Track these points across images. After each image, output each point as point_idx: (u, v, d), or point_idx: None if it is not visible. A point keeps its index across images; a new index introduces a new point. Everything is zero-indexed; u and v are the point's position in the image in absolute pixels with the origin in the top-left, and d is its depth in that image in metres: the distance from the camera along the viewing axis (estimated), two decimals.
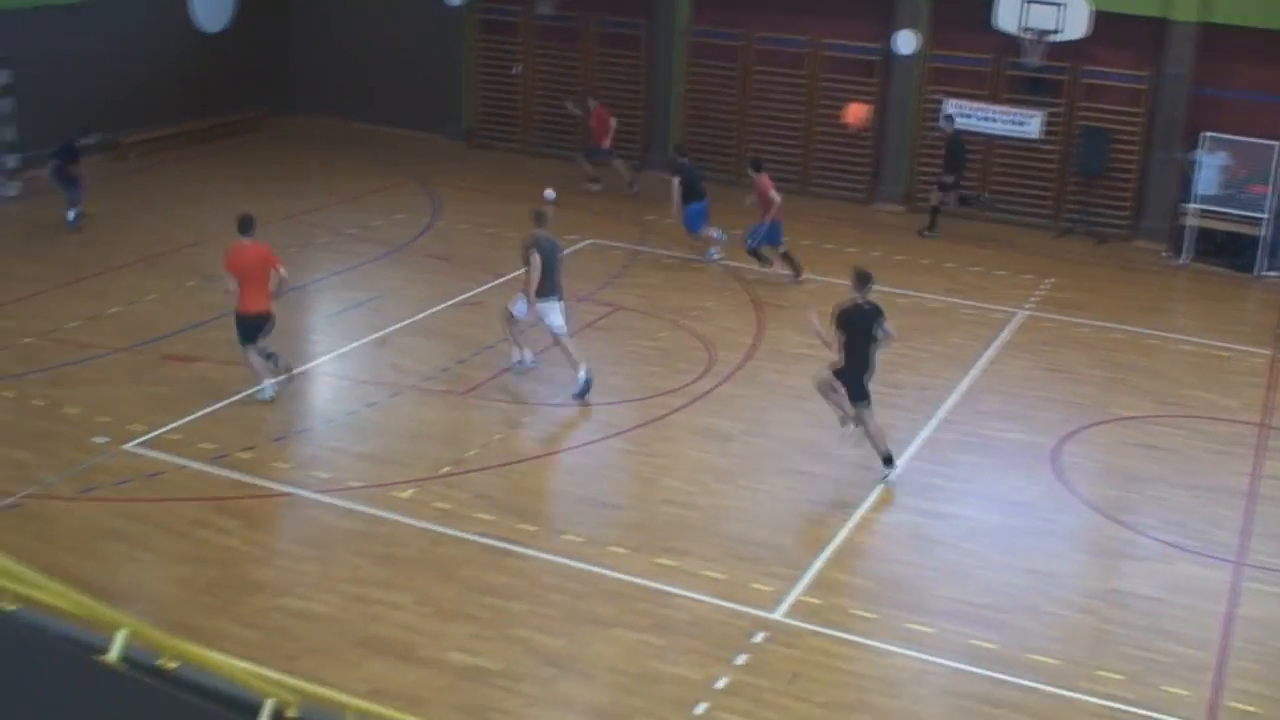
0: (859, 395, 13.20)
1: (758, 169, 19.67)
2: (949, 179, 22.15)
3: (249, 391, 14.59)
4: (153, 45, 24.91)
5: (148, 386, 14.83)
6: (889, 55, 23.33)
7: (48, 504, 12.19)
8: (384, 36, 26.82)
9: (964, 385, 15.86)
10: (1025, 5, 21.73)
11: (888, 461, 13.32)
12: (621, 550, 11.81)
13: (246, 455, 13.30)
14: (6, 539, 11.15)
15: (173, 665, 6.18)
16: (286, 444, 13.70)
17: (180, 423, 13.93)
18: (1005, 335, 17.61)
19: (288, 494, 12.65)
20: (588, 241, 20.75)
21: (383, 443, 13.85)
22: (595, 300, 18.17)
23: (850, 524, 12.50)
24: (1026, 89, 22.61)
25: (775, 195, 19.25)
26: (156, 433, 13.68)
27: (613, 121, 23.86)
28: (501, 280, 18.66)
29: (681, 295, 18.54)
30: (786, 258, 19.49)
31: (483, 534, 12.00)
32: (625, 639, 10.53)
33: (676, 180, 20.08)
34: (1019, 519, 12.82)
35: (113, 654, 5.64)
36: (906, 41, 23.02)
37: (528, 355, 15.53)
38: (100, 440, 13.45)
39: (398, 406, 14.76)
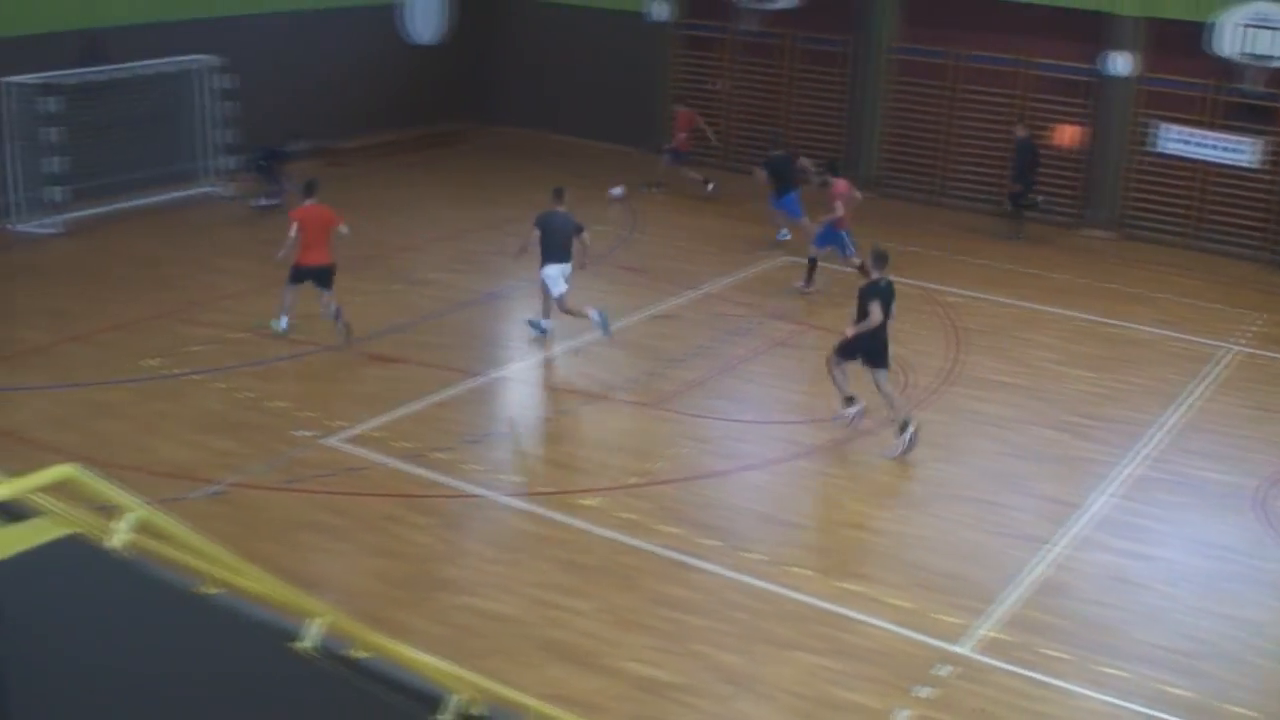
0: (883, 362, 14.26)
1: (835, 172, 19.50)
2: (1017, 188, 22.37)
3: (439, 396, 14.93)
4: (370, 56, 25.70)
5: (351, 384, 15.27)
6: (1101, 76, 22.75)
7: (252, 493, 12.63)
8: (588, 51, 27.16)
9: (1170, 421, 15.33)
10: (1246, 30, 20.97)
11: (903, 428, 14.10)
12: (804, 571, 11.72)
13: (442, 455, 13.59)
14: (211, 524, 11.56)
15: (363, 655, 6.33)
16: (480, 446, 13.94)
17: (381, 420, 14.30)
18: (1215, 371, 16.98)
19: (479, 495, 12.87)
20: (783, 259, 20.69)
21: (572, 450, 14.00)
22: (786, 318, 18.10)
23: (1044, 559, 12.17)
24: (1244, 116, 21.82)
25: (842, 207, 18.92)
26: (358, 429, 14.07)
27: (682, 133, 24.53)
28: (697, 293, 18.74)
29: None
30: (814, 266, 19.21)
31: (666, 546, 12.03)
32: (805, 662, 10.44)
33: (765, 172, 21.15)
34: (1222, 563, 12.32)
35: (307, 641, 5.80)
36: (1120, 63, 22.43)
37: (593, 313, 16.60)
38: (304, 434, 13.89)
39: (589, 415, 14.92)
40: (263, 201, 21.62)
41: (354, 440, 13.82)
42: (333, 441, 13.77)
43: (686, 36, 26.62)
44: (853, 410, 14.50)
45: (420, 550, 11.84)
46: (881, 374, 14.27)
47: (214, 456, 13.32)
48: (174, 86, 22.03)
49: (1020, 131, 22.66)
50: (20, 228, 20.26)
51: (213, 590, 6.22)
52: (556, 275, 16.54)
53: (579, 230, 16.66)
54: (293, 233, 15.95)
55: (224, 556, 5.89)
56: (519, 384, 15.91)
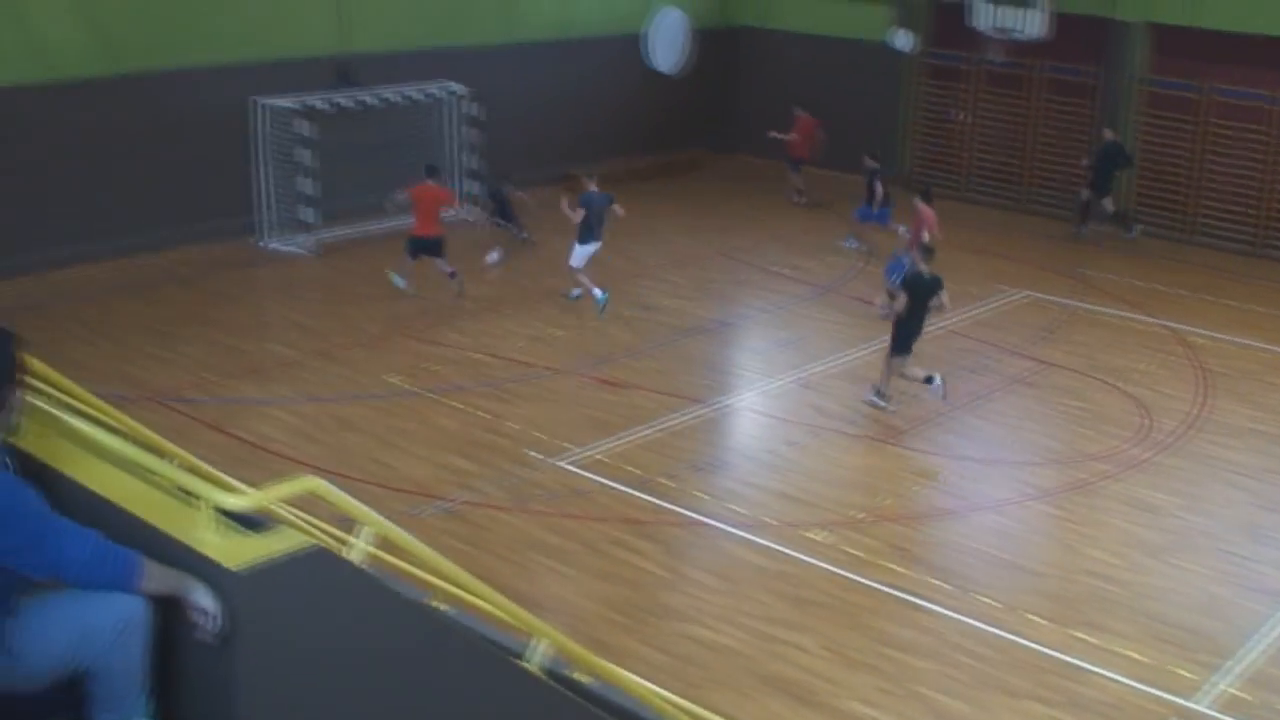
0: (904, 350, 15.42)
1: (927, 199, 18.80)
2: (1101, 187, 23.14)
3: (666, 423, 15.00)
4: (608, 84, 26.07)
5: (582, 408, 15.45)
6: None
7: (482, 511, 12.87)
8: (827, 79, 26.98)
9: None
10: None
11: (929, 380, 15.48)
12: (1037, 619, 11.35)
13: (669, 482, 13.63)
14: (442, 540, 11.84)
15: (585, 678, 6.36)
16: (707, 475, 13.95)
17: (609, 445, 14.43)
18: None
19: (704, 523, 12.86)
20: (1023, 294, 20.20)
21: (800, 483, 13.88)
22: (1026, 355, 17.64)
23: None
24: None
25: (930, 234, 17.93)
26: (587, 452, 14.22)
27: (820, 134, 25.16)
28: (931, 327, 18.42)
29: (1119, 356, 17.72)
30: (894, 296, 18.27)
31: (893, 585, 11.81)
32: (1035, 712, 10.09)
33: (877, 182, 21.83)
34: None
35: (532, 661, 5.86)
36: None
37: (597, 291, 18.53)
38: (535, 455, 14.11)
39: (817, 448, 14.78)
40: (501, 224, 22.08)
41: (582, 463, 13.98)
42: (562, 464, 13.95)
43: (930, 65, 26.27)
44: (935, 383, 15.52)
45: (644, 576, 11.88)
46: (899, 360, 15.50)
47: (448, 474, 13.64)
48: (421, 113, 22.73)
49: (1108, 134, 22.98)
50: (272, 246, 21.17)
51: (442, 605, 6.33)
52: (586, 254, 18.57)
53: (611, 202, 18.61)
54: (400, 197, 18.94)
55: (455, 572, 5.99)
56: (747, 413, 15.87)
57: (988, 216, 24.61)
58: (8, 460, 4.43)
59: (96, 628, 4.22)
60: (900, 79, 26.49)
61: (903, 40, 25.96)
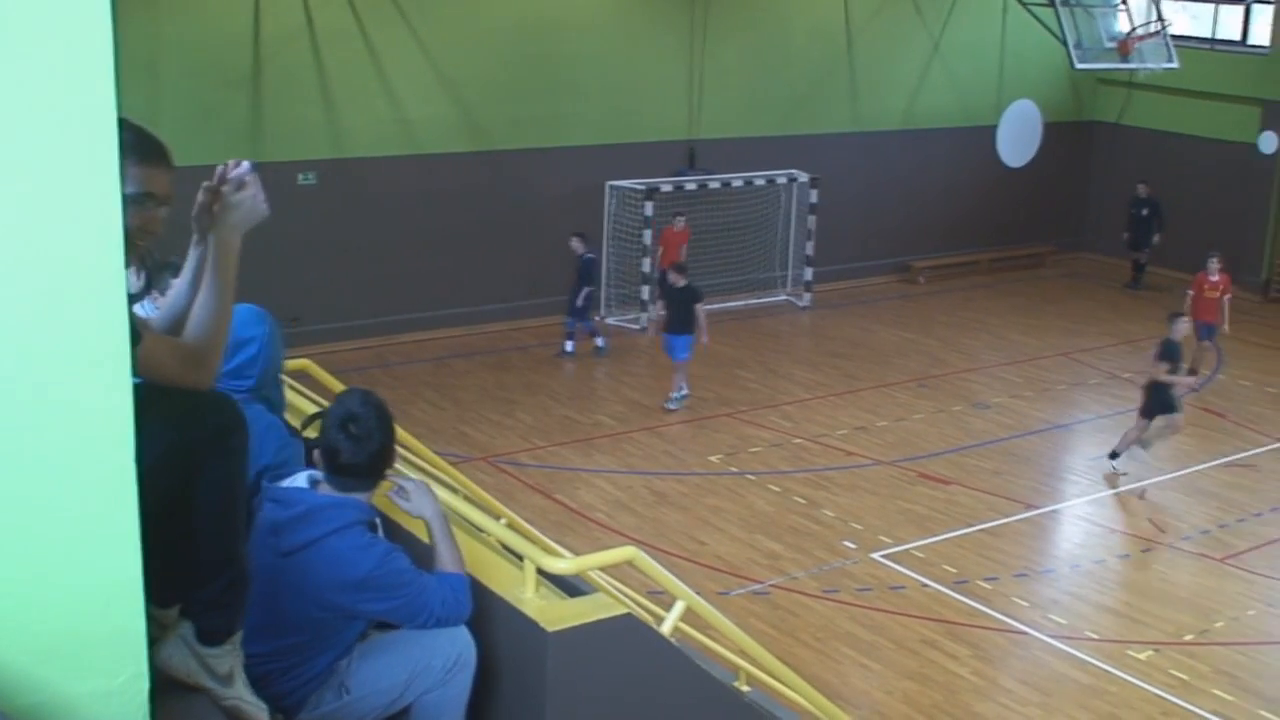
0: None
1: None
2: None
3: (989, 524, 14.66)
4: (955, 176, 25.79)
5: (902, 501, 15.27)
6: None
7: (793, 597, 12.87)
8: (1186, 179, 25.96)
9: None
10: None
11: None
12: None
13: (987, 585, 13.30)
14: (749, 622, 11.90)
15: None
16: (1028, 581, 13.54)
17: (927, 541, 14.21)
18: None
19: (1022, 632, 12.48)
20: None
21: (1126, 598, 13.31)
22: None
23: None
24: None
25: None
26: (903, 547, 14.04)
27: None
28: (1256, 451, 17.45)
29: None
30: None
31: (1218, 713, 11.16)
32: None
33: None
34: None
35: None
36: None
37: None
38: (849, 545, 14.03)
39: (1148, 563, 14.15)
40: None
41: (897, 558, 13.80)
42: (876, 556, 13.81)
43: None
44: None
45: (953, 679, 11.60)
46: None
47: (760, 556, 13.70)
48: (761, 198, 23.11)
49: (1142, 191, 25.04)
50: (610, 321, 21.82)
51: (745, 687, 6.40)
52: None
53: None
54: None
55: (761, 654, 6.05)
56: (1076, 521, 15.34)
57: None
58: (377, 522, 4.68)
59: (429, 666, 4.42)
60: (1264, 180, 25.23)
61: (1267, 142, 24.82)
